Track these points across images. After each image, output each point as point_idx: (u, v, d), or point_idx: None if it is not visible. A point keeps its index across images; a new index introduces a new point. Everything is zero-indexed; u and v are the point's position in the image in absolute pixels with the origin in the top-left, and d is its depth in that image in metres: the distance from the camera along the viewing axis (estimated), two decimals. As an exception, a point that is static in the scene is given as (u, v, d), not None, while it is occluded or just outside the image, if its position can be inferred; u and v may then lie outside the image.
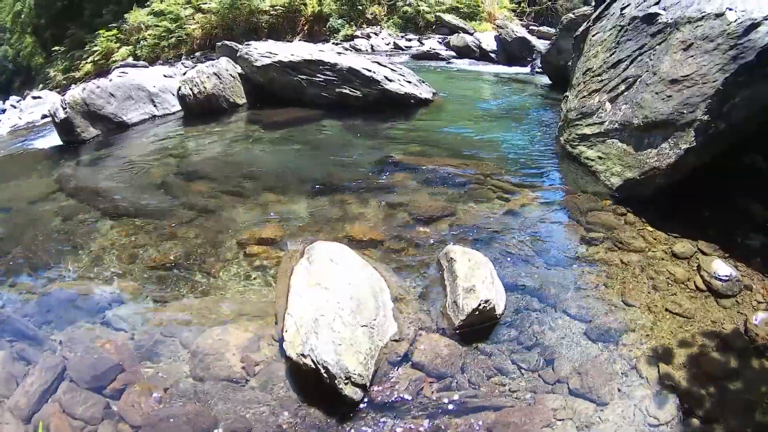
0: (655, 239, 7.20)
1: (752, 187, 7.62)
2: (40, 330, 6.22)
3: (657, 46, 8.20)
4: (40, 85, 38.31)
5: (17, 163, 13.64)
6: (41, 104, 22.64)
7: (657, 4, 8.62)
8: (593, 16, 10.79)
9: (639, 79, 8.33)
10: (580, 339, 5.81)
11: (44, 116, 19.36)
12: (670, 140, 7.47)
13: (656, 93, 7.76)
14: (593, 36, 10.31)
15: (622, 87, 8.72)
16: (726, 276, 6.31)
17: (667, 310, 6.08)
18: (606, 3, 10.46)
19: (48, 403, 5.23)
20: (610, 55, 9.35)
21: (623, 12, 9.47)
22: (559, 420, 4.95)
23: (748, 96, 6.84)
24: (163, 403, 5.14)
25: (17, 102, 25.25)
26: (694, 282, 6.43)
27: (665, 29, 8.13)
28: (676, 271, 6.59)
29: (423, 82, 15.86)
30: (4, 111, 22.97)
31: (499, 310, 5.99)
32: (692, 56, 7.38)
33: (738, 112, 6.96)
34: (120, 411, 5.10)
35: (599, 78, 9.45)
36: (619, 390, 5.18)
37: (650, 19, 8.55)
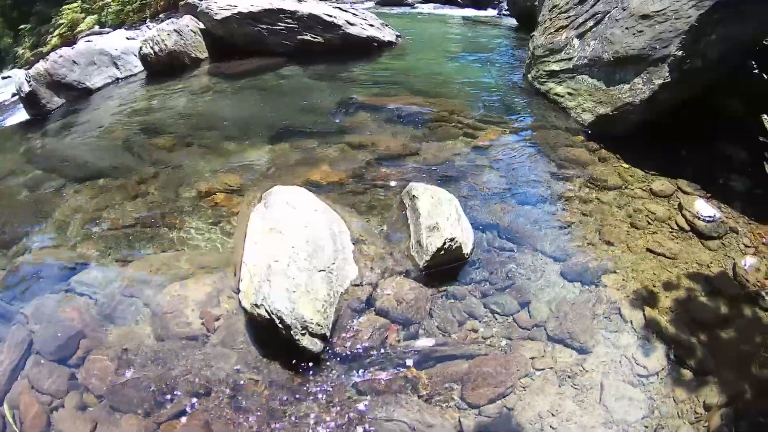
0: (631, 176, 6.81)
1: (732, 131, 7.29)
2: (9, 305, 5.91)
3: (625, -18, 7.93)
4: (10, 65, 37.88)
5: None
6: (11, 83, 22.29)
7: (623, -62, 8.36)
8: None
9: (608, 15, 8.02)
10: (557, 279, 5.41)
11: (14, 94, 19.08)
12: (643, 75, 7.20)
13: (627, 28, 7.48)
14: (560, -28, 9.97)
15: (591, 23, 8.39)
16: (710, 217, 5.91)
17: (648, 249, 5.67)
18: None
19: (18, 381, 5.01)
20: (577, -9, 9.06)
21: (591, -52, 9.15)
22: (538, 370, 4.57)
23: (724, 34, 6.58)
24: (124, 368, 4.87)
25: (-13, 83, 24.90)
26: (676, 221, 6.02)
27: (634, -36, 7.85)
28: (656, 210, 6.18)
29: (386, 25, 15.59)
30: None
31: (466, 249, 5.55)
32: None
33: (713, 50, 6.70)
34: (84, 381, 4.86)
35: (566, 14, 9.11)
36: (603, 336, 4.78)
37: (619, -46, 8.25)
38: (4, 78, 23.94)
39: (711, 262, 5.49)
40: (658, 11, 7.02)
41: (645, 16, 7.20)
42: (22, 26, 38.98)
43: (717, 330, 4.81)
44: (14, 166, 9.78)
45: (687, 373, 4.49)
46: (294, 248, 5.13)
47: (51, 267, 6.43)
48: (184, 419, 4.39)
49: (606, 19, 8.03)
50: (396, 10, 22.63)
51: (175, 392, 4.56)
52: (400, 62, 13.40)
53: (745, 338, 4.73)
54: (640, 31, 7.23)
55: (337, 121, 9.28)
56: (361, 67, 12.92)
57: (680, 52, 6.72)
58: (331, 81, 11.96)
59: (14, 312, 5.75)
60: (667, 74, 6.86)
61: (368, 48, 14.26)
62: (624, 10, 7.63)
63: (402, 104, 9.53)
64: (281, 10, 14.12)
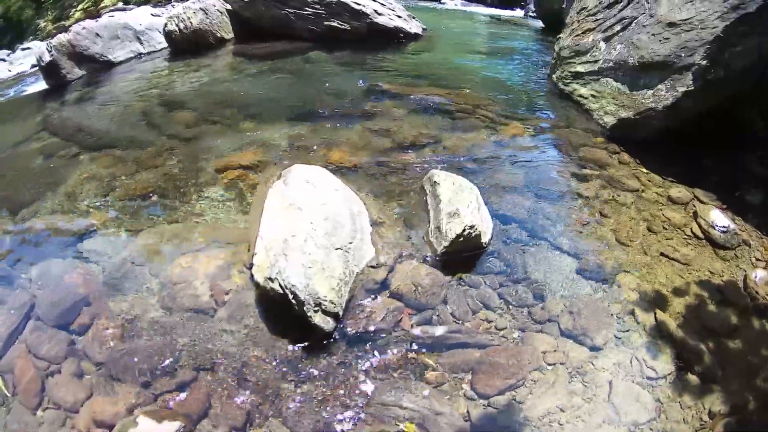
0: (650, 181, 6.75)
1: (753, 144, 7.20)
2: (13, 269, 5.85)
3: (655, -11, 7.82)
4: (30, 37, 37.92)
5: (4, 109, 13.23)
6: (31, 54, 22.28)
7: (656, -52, 8.26)
8: (591, -41, 10.33)
9: (635, 21, 7.98)
10: (572, 275, 5.36)
11: (33, 65, 19.10)
12: (666, 82, 7.16)
13: (653, 35, 7.45)
14: (589, -24, 9.89)
15: (618, 27, 8.36)
16: (724, 227, 5.86)
17: (662, 254, 5.63)
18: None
19: (15, 345, 4.98)
20: (605, -5, 8.98)
21: (621, -45, 9.06)
22: (550, 364, 4.52)
23: (748, 45, 6.55)
24: (128, 337, 4.84)
25: (7, 56, 24.88)
26: (691, 228, 5.97)
27: (663, -27, 7.74)
28: (672, 216, 6.12)
29: (413, 17, 15.49)
30: None
31: (485, 239, 5.49)
32: (690, 2, 7.05)
33: (737, 61, 6.65)
34: (84, 348, 4.84)
35: (594, 17, 9.07)
36: (614, 336, 4.74)
37: (648, -37, 8.16)
38: (24, 49, 24.05)
39: (723, 272, 5.44)
40: (684, 20, 6.99)
41: (672, 24, 7.15)
42: (44, -1, 38.94)
43: (725, 339, 4.77)
44: (30, 133, 9.78)
45: (694, 379, 4.45)
46: (312, 224, 5.07)
47: (60, 233, 6.38)
48: (184, 393, 4.35)
49: (633, 24, 7.99)
50: (424, 3, 22.43)
51: (177, 364, 4.53)
52: (425, 54, 13.29)
53: (751, 350, 4.68)
54: (667, 39, 7.19)
55: (361, 106, 9.18)
56: (386, 57, 12.84)
57: (704, 62, 6.71)
58: (356, 68, 11.91)
59: (17, 276, 5.73)
60: (691, 82, 6.83)
61: (395, 38, 14.21)
62: (651, 16, 7.58)
63: (426, 95, 9.46)
64: (309, -6, 13.89)
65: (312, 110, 9.07)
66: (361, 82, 10.55)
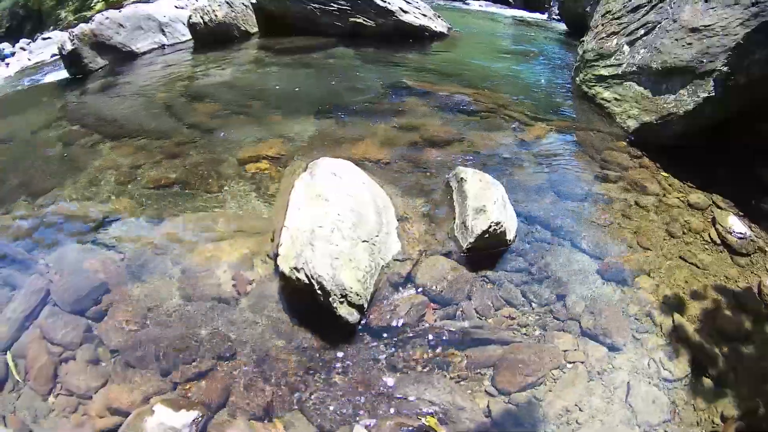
0: (670, 186, 6.79)
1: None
2: (30, 254, 5.91)
3: (678, -6, 7.86)
4: (51, 27, 37.98)
5: (23, 97, 13.34)
6: (51, 44, 22.33)
7: (679, -48, 8.29)
8: (616, -38, 10.37)
9: (659, 25, 8.02)
10: (593, 276, 5.42)
11: (53, 55, 19.11)
12: (688, 87, 7.20)
13: (676, 39, 7.48)
14: (614, -20, 9.92)
15: (642, 31, 8.39)
16: (741, 234, 5.92)
17: (681, 257, 5.69)
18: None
19: (29, 330, 5.02)
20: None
21: (646, -41, 9.11)
22: (570, 362, 4.58)
23: None
24: (146, 325, 4.90)
25: (27, 44, 25.02)
26: (709, 234, 6.03)
27: (686, -22, 7.78)
28: (691, 221, 6.17)
29: (438, 16, 15.39)
30: (13, 54, 22.79)
31: (510, 236, 5.57)
32: (713, 8, 7.09)
33: (758, 68, 6.65)
34: (101, 334, 4.86)
35: (618, 21, 9.07)
36: (633, 337, 4.80)
37: (672, -33, 8.19)
38: (44, 39, 24.19)
39: (739, 278, 5.49)
40: (707, 26, 7.04)
41: (694, 29, 7.19)
42: (66, -12, 39.04)
43: (739, 344, 4.82)
44: (50, 120, 9.83)
45: (708, 382, 4.51)
46: (339, 216, 5.12)
47: (79, 219, 6.43)
48: (203, 381, 4.40)
49: (657, 28, 8.01)
50: (448, 3, 22.39)
51: (197, 353, 4.58)
52: (450, 53, 13.29)
53: (764, 355, 4.73)
54: (689, 44, 7.22)
55: (385, 102, 9.24)
56: (411, 54, 12.86)
57: (725, 68, 6.73)
58: (381, 64, 11.92)
59: (34, 261, 5.77)
60: (712, 88, 6.87)
61: (420, 37, 14.17)
62: (675, 21, 7.61)
63: (451, 93, 9.50)
64: (335, -10, 13.87)
65: (337, 105, 9.10)
66: (385, 78, 10.57)
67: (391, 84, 10.18)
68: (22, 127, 9.89)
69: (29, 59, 20.66)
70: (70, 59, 13.04)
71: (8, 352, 4.77)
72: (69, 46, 12.91)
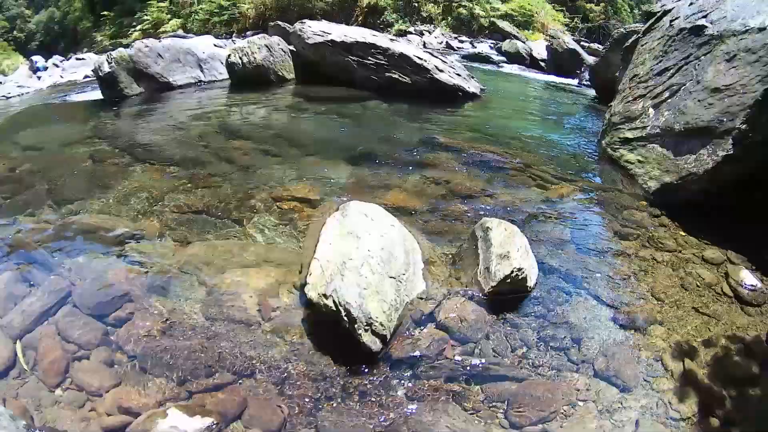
0: (686, 242, 7.01)
1: None
2: (52, 257, 6.12)
3: (702, 57, 8.12)
4: (85, 49, 38.64)
5: (55, 111, 13.84)
6: (85, 65, 22.99)
7: (705, 17, 8.54)
8: (644, 28, 10.69)
9: (683, 87, 8.22)
10: (608, 324, 5.61)
11: (86, 77, 19.65)
12: (708, 147, 7.39)
13: (699, 101, 7.68)
14: (642, 45, 10.18)
15: (666, 94, 8.59)
16: (752, 285, 6.14)
17: (694, 308, 5.88)
18: (657, 16, 10.34)
19: (44, 325, 5.13)
20: (657, 63, 9.25)
21: (672, 23, 9.36)
22: (581, 400, 4.75)
23: None
24: (167, 336, 5.02)
25: (60, 62, 25.57)
26: (722, 287, 6.22)
27: (711, 41, 8.07)
28: (705, 275, 6.36)
29: (472, 77, 15.69)
30: (46, 68, 23.32)
31: (530, 282, 5.76)
32: (735, 67, 7.35)
33: None
34: (118, 339, 4.99)
35: (645, 84, 9.30)
36: (644, 380, 4.98)
37: (697, 31, 8.47)
38: (78, 59, 24.82)
39: (748, 327, 5.68)
40: (728, 85, 7.27)
41: (716, 90, 7.42)
42: (104, 13, 39.86)
43: (746, 387, 4.98)
44: (81, 136, 10.27)
45: (715, 422, 4.66)
46: (369, 252, 5.34)
47: (105, 232, 6.61)
48: (220, 393, 4.52)
49: (681, 91, 8.21)
50: (482, 66, 22.87)
51: (216, 367, 4.71)
52: (482, 113, 13.60)
53: None
54: (711, 104, 7.42)
55: (416, 155, 9.51)
56: (444, 112, 13.11)
57: (744, 126, 6.92)
58: (414, 120, 12.19)
59: (57, 263, 5.96)
60: (731, 146, 7.05)
61: (453, 96, 14.44)
62: (698, 83, 7.83)
63: (481, 151, 9.79)
64: (373, 45, 14.44)
65: (369, 154, 9.41)
66: (418, 133, 10.85)
67: (423, 139, 10.47)
68: (53, 139, 10.33)
69: (62, 76, 21.44)
70: (107, 82, 13.54)
71: (19, 341, 4.93)
72: (106, 68, 13.40)
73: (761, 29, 7.26)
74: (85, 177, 8.31)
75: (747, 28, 7.49)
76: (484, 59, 24.79)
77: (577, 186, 8.65)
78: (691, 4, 9.34)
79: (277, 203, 7.42)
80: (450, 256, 6.41)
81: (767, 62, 6.92)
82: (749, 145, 7.00)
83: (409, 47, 15.74)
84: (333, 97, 13.78)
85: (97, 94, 14.51)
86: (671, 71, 8.76)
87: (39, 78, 21.78)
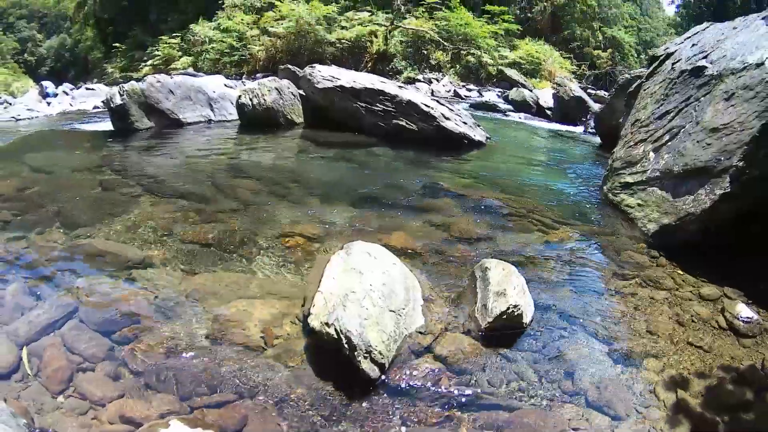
0: (684, 281, 7.13)
1: None
2: (62, 275, 6.31)
3: (702, 98, 8.22)
4: (95, 79, 39.06)
5: (66, 138, 14.10)
6: (94, 95, 23.34)
7: (705, 58, 8.71)
8: (647, 73, 10.81)
9: (683, 129, 8.33)
10: (602, 358, 5.72)
11: (96, 107, 20.00)
12: (706, 186, 7.46)
13: (697, 141, 7.78)
14: (645, 89, 10.31)
15: (667, 137, 8.72)
16: (748, 318, 6.27)
17: (689, 343, 5.99)
18: (660, 59, 10.48)
19: (49, 336, 5.27)
20: (659, 107, 9.37)
21: (674, 66, 9.52)
22: (574, 429, 4.83)
23: None
24: (171, 355, 5.15)
25: (70, 89, 25.88)
26: (717, 321, 6.34)
27: (710, 81, 8.17)
28: (701, 311, 6.49)
29: (478, 125, 15.96)
30: (56, 95, 23.62)
31: (526, 319, 5.90)
32: (733, 105, 7.42)
33: None
34: (124, 356, 5.09)
35: (646, 128, 9.44)
36: (636, 410, 5.07)
37: (698, 72, 8.61)
38: (88, 89, 25.08)
39: (743, 357, 5.79)
40: (726, 124, 7.36)
41: (714, 129, 7.50)
42: (116, 45, 40.39)
43: (740, 412, 5.08)
44: (91, 164, 10.54)
45: None
46: (371, 286, 5.50)
47: (113, 257, 6.75)
48: (222, 410, 4.61)
49: (681, 133, 8.33)
50: (489, 114, 23.32)
51: (218, 386, 4.82)
52: (487, 161, 13.83)
53: (764, 421, 4.99)
54: (709, 144, 7.51)
55: (421, 200, 9.73)
56: (449, 160, 13.35)
57: (741, 163, 6.98)
58: (419, 166, 12.42)
59: (65, 281, 6.15)
60: (728, 185, 7.13)
61: (459, 143, 14.68)
62: (697, 124, 7.93)
63: (484, 197, 10.01)
64: (382, 92, 14.65)
65: (374, 198, 9.65)
66: (422, 179, 11.09)
67: (427, 184, 10.72)
68: (63, 163, 10.54)
69: (71, 104, 21.84)
70: (118, 114, 13.88)
71: (24, 347, 5.05)
72: (118, 100, 13.72)
73: (759, 65, 7.33)
74: (94, 203, 8.51)
75: (745, 65, 7.58)
76: (491, 108, 25.23)
77: (577, 230, 8.84)
78: (693, 45, 9.56)
79: (283, 240, 7.60)
80: (449, 295, 6.56)
81: (764, 97, 6.97)
82: (746, 181, 7.09)
83: (417, 95, 15.96)
84: (341, 142, 14.02)
85: (106, 125, 14.85)
86: (671, 114, 8.90)
87: (49, 104, 22.15)
